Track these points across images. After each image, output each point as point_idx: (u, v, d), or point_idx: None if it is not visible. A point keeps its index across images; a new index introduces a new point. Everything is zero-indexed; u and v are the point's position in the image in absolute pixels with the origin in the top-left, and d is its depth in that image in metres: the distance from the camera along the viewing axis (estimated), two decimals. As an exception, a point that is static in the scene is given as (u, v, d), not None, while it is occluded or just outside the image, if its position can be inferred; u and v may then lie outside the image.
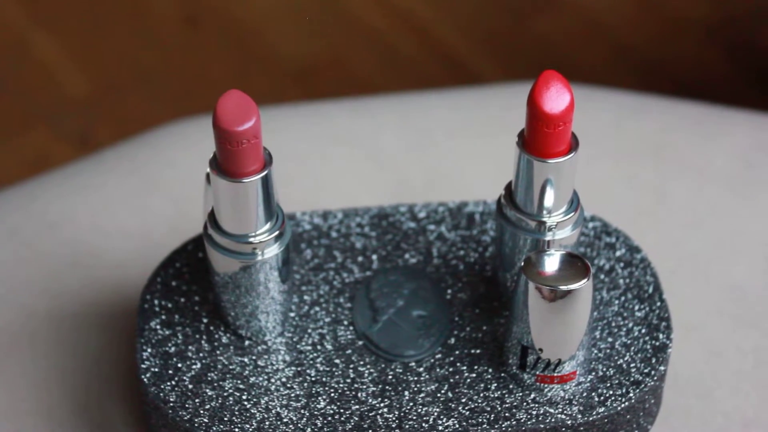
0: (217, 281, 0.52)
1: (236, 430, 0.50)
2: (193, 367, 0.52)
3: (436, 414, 0.51)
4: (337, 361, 0.53)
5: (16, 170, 1.07)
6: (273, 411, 0.51)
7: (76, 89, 1.16)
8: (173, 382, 0.52)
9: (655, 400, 0.53)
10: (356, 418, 0.51)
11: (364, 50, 1.19)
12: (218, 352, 0.53)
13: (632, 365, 0.52)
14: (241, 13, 1.21)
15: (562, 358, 0.50)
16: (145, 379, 0.52)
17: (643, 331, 0.53)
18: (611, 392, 0.52)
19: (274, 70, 1.17)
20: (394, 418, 0.51)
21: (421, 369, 0.52)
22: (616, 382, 0.52)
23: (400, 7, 1.22)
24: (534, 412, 0.51)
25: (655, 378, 0.52)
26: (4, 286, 0.60)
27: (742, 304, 0.59)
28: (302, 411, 0.51)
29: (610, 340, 0.53)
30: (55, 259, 0.61)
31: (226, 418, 0.51)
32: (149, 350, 0.52)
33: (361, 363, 0.52)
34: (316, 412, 0.51)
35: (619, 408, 0.51)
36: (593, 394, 0.52)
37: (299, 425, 0.51)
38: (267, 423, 0.51)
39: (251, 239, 0.50)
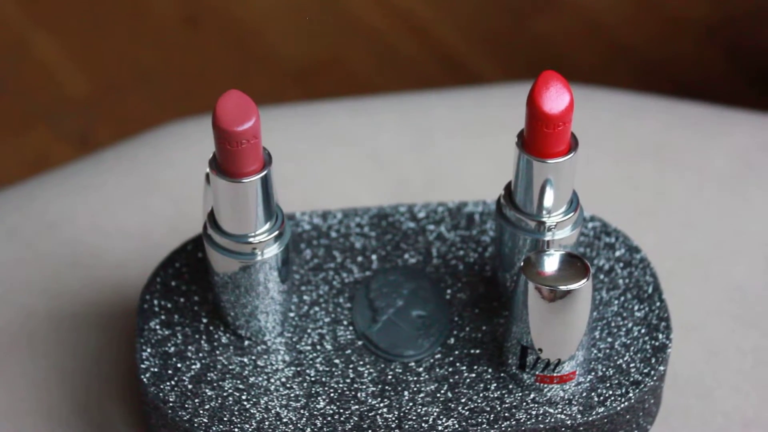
0: (217, 281, 0.52)
1: (236, 430, 0.50)
2: (193, 367, 0.52)
3: (435, 414, 0.51)
4: (336, 361, 0.53)
5: (16, 170, 1.07)
6: (272, 411, 0.51)
7: (76, 89, 1.16)
8: (173, 382, 0.52)
9: (654, 400, 0.53)
10: (356, 418, 0.51)
11: (363, 50, 1.19)
12: (218, 352, 0.53)
13: (632, 365, 0.52)
14: (241, 13, 1.21)
15: (561, 358, 0.50)
16: (144, 379, 0.52)
17: (643, 331, 0.53)
18: (611, 392, 0.52)
19: (273, 70, 1.17)
20: (393, 418, 0.51)
21: (421, 369, 0.52)
22: (616, 382, 0.52)
23: (400, 7, 1.22)
24: (533, 412, 0.51)
25: (655, 378, 0.52)
26: (3, 286, 0.60)
27: (742, 304, 0.59)
28: (302, 411, 0.51)
29: (609, 340, 0.53)
30: (54, 259, 0.61)
31: (225, 418, 0.51)
32: (149, 350, 0.53)
33: (361, 363, 0.52)
34: (315, 412, 0.51)
35: (618, 408, 0.51)
36: (593, 394, 0.52)
37: (299, 425, 0.51)
38: (266, 423, 0.51)
39: (251, 239, 0.50)
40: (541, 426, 0.51)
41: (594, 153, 0.65)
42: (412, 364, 0.53)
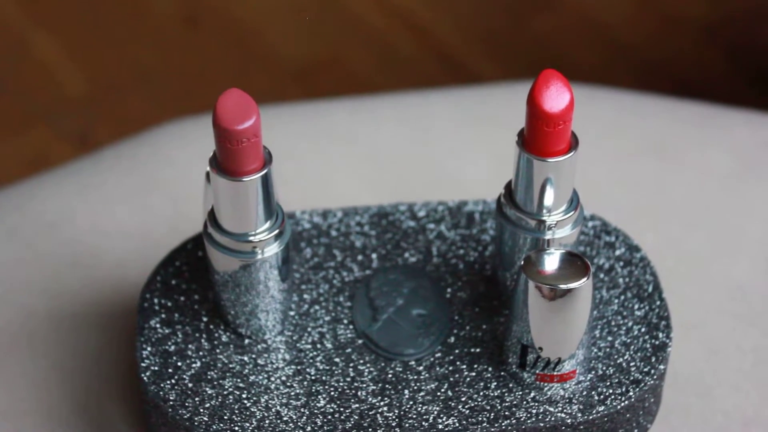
0: (217, 280, 0.52)
1: (236, 428, 0.50)
2: (193, 365, 0.52)
3: (435, 412, 0.51)
4: (336, 359, 0.53)
5: (15, 170, 1.07)
6: (273, 409, 0.51)
7: (76, 89, 1.16)
8: (173, 381, 0.52)
9: (654, 399, 0.53)
10: (356, 417, 0.51)
11: (363, 50, 1.19)
12: (218, 350, 0.53)
13: (632, 364, 0.52)
14: (241, 12, 1.21)
15: (561, 356, 0.50)
16: (144, 378, 0.52)
17: (643, 329, 0.53)
18: (611, 391, 0.52)
19: (273, 69, 1.17)
20: (394, 417, 0.51)
21: (421, 368, 0.52)
22: (616, 380, 0.52)
23: (400, 7, 1.22)
24: (534, 411, 0.51)
25: (655, 377, 0.52)
26: (3, 286, 0.60)
27: (742, 303, 0.59)
28: (302, 410, 0.51)
29: (609, 338, 0.53)
30: (54, 258, 0.61)
31: (225, 417, 0.51)
32: (149, 349, 0.53)
33: (361, 362, 0.52)
34: (316, 411, 0.51)
35: (618, 407, 0.51)
36: (593, 392, 0.52)
37: (299, 424, 0.51)
38: (267, 422, 0.51)
39: (251, 238, 0.50)
40: (542, 425, 0.51)
41: (594, 152, 0.65)
42: (413, 362, 0.53)
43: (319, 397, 0.51)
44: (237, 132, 0.47)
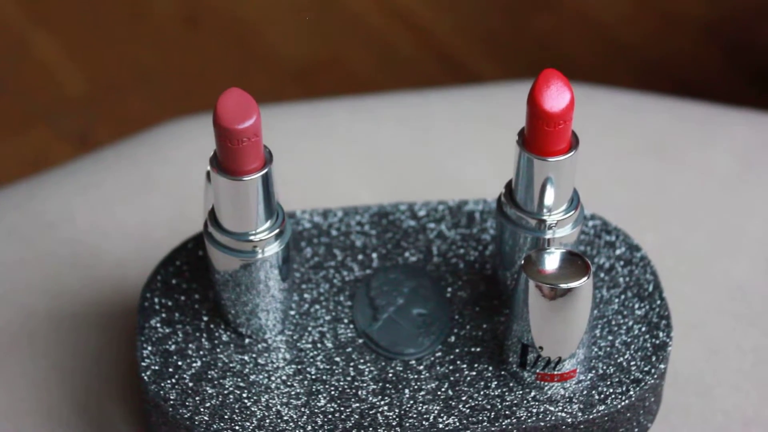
0: (218, 279, 0.52)
1: (237, 427, 0.50)
2: (194, 365, 0.52)
3: (436, 412, 0.51)
4: (337, 359, 0.53)
5: (15, 170, 1.07)
6: (273, 409, 0.51)
7: (76, 89, 1.16)
8: (173, 380, 0.52)
9: (655, 399, 0.53)
10: (356, 416, 0.51)
11: (363, 49, 1.19)
12: (218, 350, 0.53)
13: (632, 363, 0.52)
14: (241, 12, 1.21)
15: (562, 356, 0.50)
16: (145, 377, 0.52)
17: (643, 329, 0.53)
18: (611, 390, 0.52)
19: (273, 69, 1.17)
20: (394, 416, 0.51)
21: (422, 367, 0.52)
22: (617, 380, 0.52)
23: (400, 7, 1.22)
24: (534, 410, 0.51)
25: (655, 376, 0.52)
26: (3, 286, 0.60)
27: (742, 303, 0.59)
28: (302, 409, 0.51)
29: (610, 338, 0.53)
30: (54, 258, 0.61)
31: (226, 416, 0.51)
32: (149, 348, 0.53)
33: (362, 361, 0.52)
34: (316, 410, 0.51)
35: (619, 406, 0.51)
36: (593, 392, 0.52)
37: (299, 423, 0.51)
38: (267, 421, 0.51)
39: (251, 237, 0.50)
40: (542, 424, 0.51)
41: (594, 151, 0.65)
42: (413, 362, 0.53)
43: (320, 396, 0.51)
44: (237, 131, 0.47)
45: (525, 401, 0.51)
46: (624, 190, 0.64)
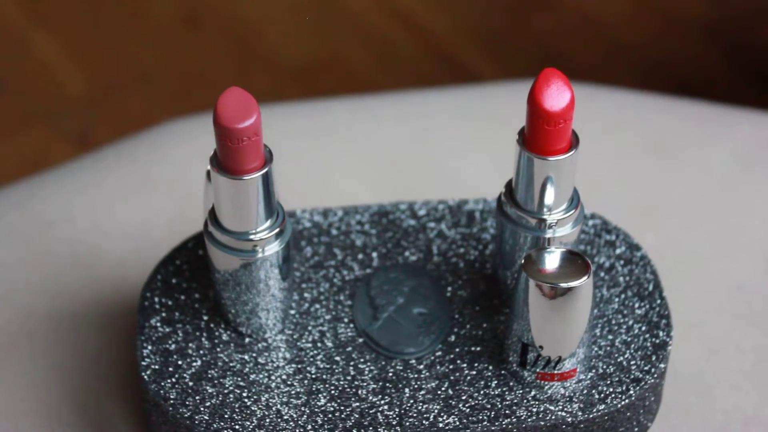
0: (218, 278, 0.52)
1: (237, 427, 0.50)
2: (194, 364, 0.52)
3: (436, 411, 0.51)
4: (337, 358, 0.53)
5: (15, 169, 1.07)
6: (273, 408, 0.51)
7: (76, 88, 1.16)
8: (173, 380, 0.52)
9: (655, 398, 0.53)
10: (356, 416, 0.51)
11: (363, 49, 1.19)
12: (218, 349, 0.53)
13: (632, 363, 0.52)
14: (241, 12, 1.21)
15: (562, 355, 0.50)
16: (145, 377, 0.52)
17: (644, 328, 0.53)
18: (611, 390, 0.52)
19: (273, 68, 1.18)
20: (394, 416, 0.51)
21: (422, 366, 0.52)
22: (617, 379, 0.52)
23: (400, 6, 1.22)
24: (534, 410, 0.51)
25: (656, 375, 0.52)
26: (3, 286, 0.60)
27: (742, 302, 0.59)
28: (303, 408, 0.51)
29: (610, 337, 0.53)
30: (54, 258, 0.61)
31: (226, 416, 0.51)
32: (149, 347, 0.52)
33: (362, 360, 0.52)
34: (316, 410, 0.51)
35: (619, 405, 0.51)
36: (593, 391, 0.52)
37: (299, 422, 0.51)
38: (267, 420, 0.51)
39: (252, 236, 0.50)
40: (542, 423, 0.51)
41: (595, 151, 0.65)
42: (413, 361, 0.53)
43: (320, 395, 0.51)
44: (238, 130, 0.47)
45: (525, 400, 0.51)
46: (624, 189, 0.64)
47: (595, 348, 0.53)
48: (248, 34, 1.20)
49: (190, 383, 0.52)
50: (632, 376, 0.52)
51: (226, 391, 0.51)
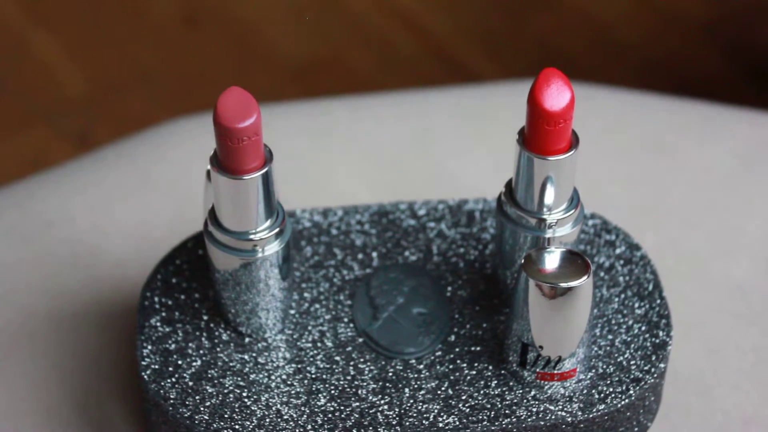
0: (218, 278, 0.52)
1: (237, 427, 0.50)
2: (194, 364, 0.52)
3: (436, 411, 0.51)
4: (337, 358, 0.53)
5: (15, 169, 1.07)
6: (273, 408, 0.51)
7: (76, 88, 1.16)
8: (173, 379, 0.52)
9: (655, 398, 0.53)
10: (356, 415, 0.51)
11: (363, 49, 1.19)
12: (218, 349, 0.53)
13: (632, 362, 0.52)
14: (241, 12, 1.21)
15: (562, 355, 0.50)
16: (145, 377, 0.52)
17: (643, 328, 0.53)
18: (611, 389, 0.52)
19: (273, 68, 1.18)
20: (394, 416, 0.51)
21: (422, 366, 0.52)
22: (617, 379, 0.52)
23: (400, 6, 1.22)
24: (534, 410, 0.51)
25: (655, 375, 0.52)
26: (3, 286, 0.60)
27: (742, 302, 0.59)
28: (302, 408, 0.51)
29: (610, 337, 0.53)
30: (54, 257, 0.61)
31: (226, 415, 0.51)
32: (149, 347, 0.52)
33: (362, 360, 0.52)
34: (316, 409, 0.51)
35: (619, 405, 0.51)
36: (593, 391, 0.52)
37: (299, 422, 0.51)
38: (267, 420, 0.51)
39: (252, 236, 0.50)
40: (542, 423, 0.51)
41: (594, 150, 0.65)
42: (413, 361, 0.53)
43: (320, 395, 0.51)
44: (238, 130, 0.47)
45: (525, 400, 0.51)
46: (624, 189, 0.64)
47: (594, 348, 0.53)
48: (248, 33, 1.20)
49: (190, 383, 0.52)
50: (632, 376, 0.52)
51: (226, 391, 0.51)
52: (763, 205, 0.63)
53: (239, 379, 0.52)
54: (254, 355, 0.53)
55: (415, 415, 0.51)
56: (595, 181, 0.63)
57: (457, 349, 0.53)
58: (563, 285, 0.48)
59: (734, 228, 0.62)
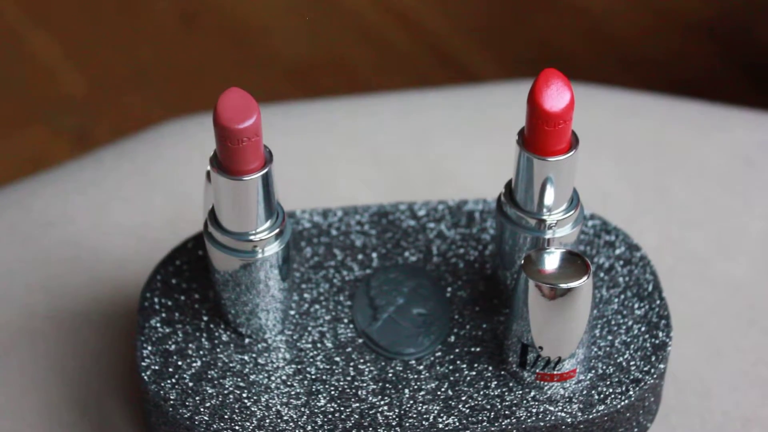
0: (218, 279, 0.52)
1: (236, 427, 0.50)
2: (194, 364, 0.52)
3: (436, 412, 0.51)
4: (337, 359, 0.53)
5: (14, 169, 1.07)
6: (273, 409, 0.51)
7: (75, 88, 1.16)
8: (173, 380, 0.52)
9: (654, 398, 0.53)
10: (356, 416, 0.51)
11: (363, 49, 1.19)
12: (218, 349, 0.53)
13: (632, 363, 0.52)
14: (240, 12, 1.21)
15: (562, 356, 0.50)
16: (145, 377, 0.52)
17: (643, 329, 0.53)
18: (611, 390, 0.52)
19: (273, 68, 1.18)
20: (394, 416, 0.51)
21: (421, 367, 0.52)
22: (616, 380, 0.52)
23: (400, 6, 1.22)
24: (534, 410, 0.51)
25: (655, 376, 0.52)
26: (3, 286, 0.60)
27: (742, 302, 0.59)
28: (302, 409, 0.51)
29: (609, 338, 0.53)
30: (54, 257, 0.61)
31: (226, 416, 0.51)
32: (149, 348, 0.53)
33: (361, 361, 0.53)
34: (316, 410, 0.51)
35: (618, 406, 0.51)
36: (593, 392, 0.52)
37: (299, 423, 0.51)
38: (267, 421, 0.51)
39: (251, 237, 0.50)
40: (542, 424, 0.51)
41: (594, 151, 0.65)
42: (413, 362, 0.53)
43: (320, 396, 0.51)
44: (238, 131, 0.47)
45: (525, 401, 0.51)
46: (624, 189, 0.64)
47: (594, 349, 0.53)
48: (248, 34, 1.20)
49: (190, 384, 0.52)
50: (632, 377, 0.52)
51: (225, 392, 0.51)
52: (763, 205, 0.63)
53: (239, 379, 0.52)
54: (254, 355, 0.53)
55: (415, 415, 0.51)
56: (595, 182, 0.63)
57: (456, 350, 0.53)
58: (563, 286, 0.48)
59: (734, 228, 0.62)
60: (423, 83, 1.12)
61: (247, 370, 0.52)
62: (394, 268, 0.55)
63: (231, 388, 0.52)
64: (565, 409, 0.51)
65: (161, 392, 0.51)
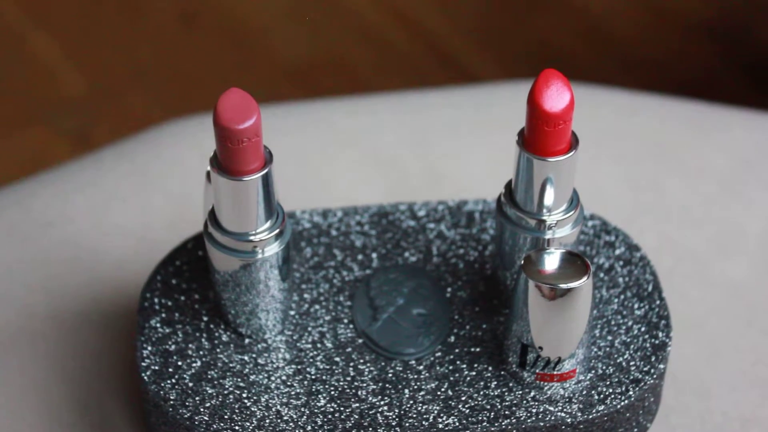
0: (218, 279, 0.52)
1: (236, 428, 0.50)
2: (194, 365, 0.52)
3: (436, 412, 0.51)
4: (337, 359, 0.53)
5: (14, 169, 1.07)
6: (273, 409, 0.51)
7: (75, 88, 1.16)
8: (173, 380, 0.52)
9: (654, 398, 0.53)
10: (356, 416, 0.51)
11: (363, 50, 1.19)
12: (218, 350, 0.53)
13: (632, 363, 0.52)
14: (240, 12, 1.21)
15: (561, 356, 0.50)
16: (145, 377, 0.52)
17: (643, 329, 0.53)
18: (611, 390, 0.52)
19: (273, 68, 1.18)
20: (394, 416, 0.51)
21: (421, 367, 0.52)
22: (616, 380, 0.52)
23: (400, 6, 1.22)
24: (534, 410, 0.51)
25: (655, 376, 0.52)
26: (3, 286, 0.60)
27: (742, 302, 0.59)
28: (302, 409, 0.51)
29: (609, 338, 0.53)
30: (54, 258, 0.61)
31: (226, 416, 0.51)
32: (149, 348, 0.53)
33: (361, 361, 0.53)
34: (316, 410, 0.51)
35: (618, 406, 0.51)
36: (593, 392, 0.52)
37: (299, 423, 0.51)
38: (267, 421, 0.51)
39: (251, 237, 0.50)
40: (542, 424, 0.51)
41: (594, 151, 0.65)
42: (413, 362, 0.53)
43: (320, 396, 0.51)
44: (238, 131, 0.47)
45: (524, 401, 0.51)
46: (624, 190, 0.64)
47: (594, 349, 0.53)
48: (248, 34, 1.20)
49: (190, 384, 0.52)
50: (631, 377, 0.52)
51: (225, 392, 0.51)
52: (763, 205, 0.63)
53: (239, 380, 0.52)
54: (254, 356, 0.53)
55: (414, 415, 0.51)
56: (595, 182, 0.63)
57: (456, 350, 0.53)
58: (563, 286, 0.48)
59: (734, 228, 0.62)
60: (423, 83, 1.12)
61: (247, 370, 0.52)
62: (394, 268, 0.55)
63: (231, 389, 0.52)
64: (564, 410, 0.51)
65: (161, 392, 0.51)
